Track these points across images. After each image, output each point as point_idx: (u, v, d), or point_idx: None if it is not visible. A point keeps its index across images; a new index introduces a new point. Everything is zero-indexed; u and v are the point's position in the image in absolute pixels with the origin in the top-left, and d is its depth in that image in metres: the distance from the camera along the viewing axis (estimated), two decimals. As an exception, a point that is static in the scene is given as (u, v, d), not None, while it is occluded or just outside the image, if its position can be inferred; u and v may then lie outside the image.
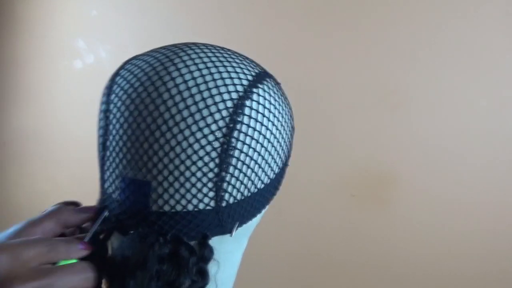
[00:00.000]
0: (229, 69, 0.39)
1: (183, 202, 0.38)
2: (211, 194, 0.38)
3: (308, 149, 1.28)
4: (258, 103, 0.39)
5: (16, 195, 1.81)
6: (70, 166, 1.69)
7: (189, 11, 1.49)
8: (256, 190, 0.41)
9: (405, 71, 1.21)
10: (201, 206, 0.38)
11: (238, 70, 0.40)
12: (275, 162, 0.42)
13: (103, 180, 0.42)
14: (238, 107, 0.38)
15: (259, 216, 0.44)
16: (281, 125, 0.42)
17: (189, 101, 0.37)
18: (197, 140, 0.37)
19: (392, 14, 1.22)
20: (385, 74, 1.23)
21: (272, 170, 0.42)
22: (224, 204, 0.39)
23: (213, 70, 0.39)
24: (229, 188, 0.39)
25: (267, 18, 1.36)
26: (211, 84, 0.38)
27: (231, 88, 0.38)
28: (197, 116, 0.37)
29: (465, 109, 1.16)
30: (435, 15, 1.17)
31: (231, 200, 0.39)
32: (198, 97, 0.37)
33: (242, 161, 0.39)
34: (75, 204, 0.42)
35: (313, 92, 1.30)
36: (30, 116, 1.78)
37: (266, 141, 0.40)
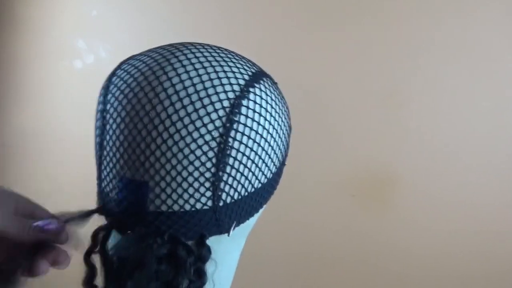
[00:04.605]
0: (226, 68, 0.39)
1: (181, 201, 0.38)
2: (209, 193, 0.38)
3: (308, 149, 1.28)
4: (255, 102, 0.39)
5: (16, 195, 1.81)
6: (70, 166, 1.69)
7: (189, 11, 1.49)
8: (253, 189, 0.41)
9: (406, 72, 1.21)
10: (198, 205, 0.38)
11: (234, 69, 0.40)
12: (272, 161, 0.42)
13: (100, 179, 0.42)
14: (235, 107, 0.38)
15: (256, 216, 0.44)
16: (278, 124, 0.42)
17: (186, 101, 0.37)
18: (194, 140, 0.37)
19: (393, 14, 1.22)
20: (386, 74, 1.23)
21: (269, 169, 0.42)
22: (221, 203, 0.39)
23: (210, 69, 0.39)
24: (227, 188, 0.39)
25: (268, 18, 1.36)
26: (207, 84, 0.38)
27: (227, 87, 0.38)
28: (194, 116, 0.37)
29: (467, 110, 1.16)
30: (437, 16, 1.17)
31: (229, 200, 0.39)
32: (195, 97, 0.37)
33: (239, 160, 0.39)
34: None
35: (314, 92, 1.30)
36: (30, 116, 1.78)
37: (263, 140, 0.40)
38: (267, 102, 0.41)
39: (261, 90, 0.41)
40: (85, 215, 0.41)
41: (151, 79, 0.38)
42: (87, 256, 0.40)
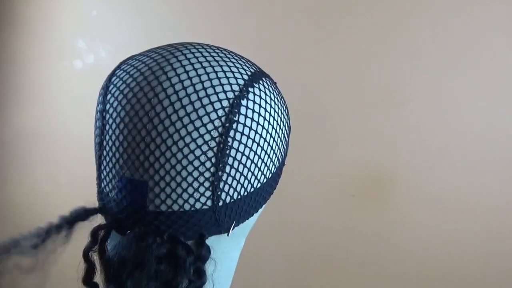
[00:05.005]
0: (225, 68, 0.39)
1: (180, 201, 0.38)
2: (208, 193, 0.38)
3: (308, 149, 1.28)
4: (254, 102, 0.39)
5: (16, 195, 1.81)
6: (70, 166, 1.69)
7: (189, 11, 1.49)
8: (253, 189, 0.41)
9: (405, 72, 1.21)
10: (198, 205, 0.38)
11: (234, 69, 0.40)
12: (271, 161, 0.42)
13: (100, 179, 0.42)
14: (234, 107, 0.38)
15: (256, 215, 0.44)
16: (278, 124, 0.42)
17: (185, 101, 0.37)
18: (193, 140, 0.37)
19: (393, 14, 1.22)
20: (386, 74, 1.23)
21: (269, 169, 0.42)
22: (221, 203, 0.39)
23: (209, 69, 0.39)
24: (226, 187, 0.39)
25: (268, 18, 1.36)
26: (207, 84, 0.38)
27: (227, 87, 0.38)
28: (193, 116, 0.37)
29: (465, 110, 1.16)
30: (436, 15, 1.17)
31: (228, 199, 0.39)
32: (194, 97, 0.37)
33: (238, 160, 0.39)
34: None
35: (314, 92, 1.30)
36: (30, 116, 1.78)
37: (262, 140, 0.40)
38: (266, 102, 0.41)
39: (260, 90, 0.41)
40: (84, 214, 0.41)
41: (150, 79, 0.38)
42: (86, 253, 0.40)
